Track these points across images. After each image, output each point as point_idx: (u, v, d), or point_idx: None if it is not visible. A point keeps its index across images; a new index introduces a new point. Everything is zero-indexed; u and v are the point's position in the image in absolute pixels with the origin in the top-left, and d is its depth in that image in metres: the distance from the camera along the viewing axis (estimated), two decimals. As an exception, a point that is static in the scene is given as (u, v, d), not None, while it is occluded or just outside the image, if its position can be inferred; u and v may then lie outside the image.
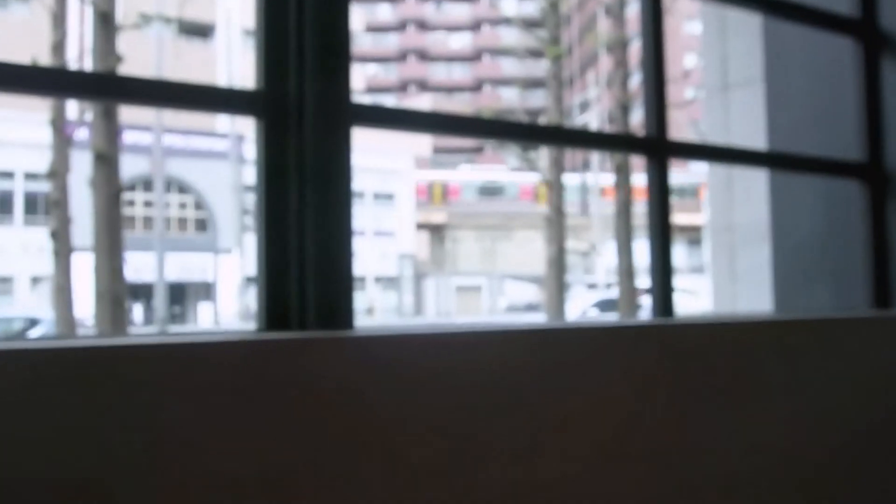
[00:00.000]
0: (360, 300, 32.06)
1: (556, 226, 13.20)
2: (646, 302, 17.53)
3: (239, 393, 1.18)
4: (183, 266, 27.95)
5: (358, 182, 32.09)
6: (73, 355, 1.06)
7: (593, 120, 29.81)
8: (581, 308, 21.08)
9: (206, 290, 28.84)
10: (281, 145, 1.48)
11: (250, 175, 23.96)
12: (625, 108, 12.77)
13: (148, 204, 26.54)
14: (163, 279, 18.85)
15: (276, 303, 1.45)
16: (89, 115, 9.97)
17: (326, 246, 1.47)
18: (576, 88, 37.07)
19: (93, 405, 1.08)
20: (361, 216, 30.79)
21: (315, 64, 1.48)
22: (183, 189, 28.56)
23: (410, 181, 34.64)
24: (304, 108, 1.49)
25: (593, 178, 30.51)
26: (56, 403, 1.05)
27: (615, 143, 2.17)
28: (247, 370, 1.19)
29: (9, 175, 25.10)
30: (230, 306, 27.02)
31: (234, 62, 26.78)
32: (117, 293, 9.03)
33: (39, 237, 21.53)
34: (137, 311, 26.30)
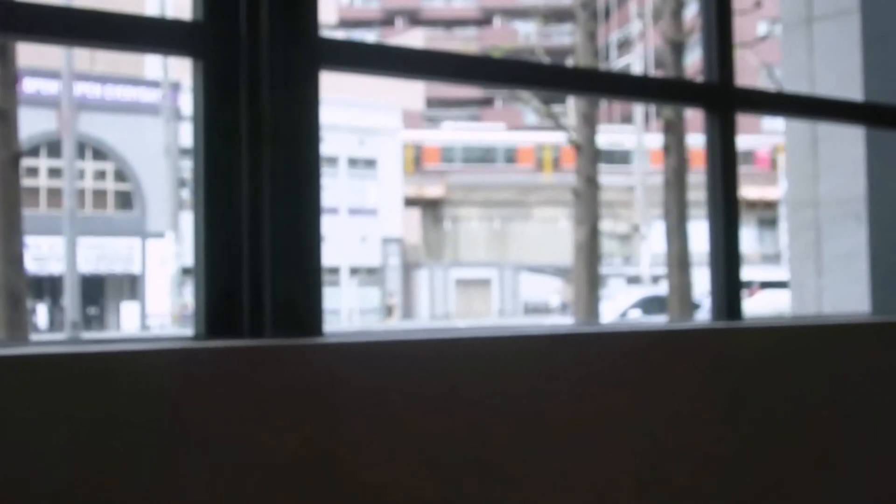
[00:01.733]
0: (370, 298, 32.40)
1: (588, 201, 13.20)
2: (704, 300, 17.56)
3: (173, 414, 1.18)
4: (101, 254, 27.99)
5: (328, 144, 32.03)
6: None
7: (635, 63, 29.79)
8: (619, 308, 21.13)
9: (130, 286, 28.90)
10: (228, 96, 1.47)
11: (188, 135, 23.86)
12: (677, 48, 12.73)
13: (55, 173, 26.53)
14: (74, 271, 18.85)
15: (223, 302, 1.45)
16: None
17: (288, 228, 1.47)
18: (613, 22, 37.04)
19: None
20: (333, 189, 30.80)
21: (272, -12, 1.48)
22: (100, 154, 28.57)
23: (397, 143, 34.64)
24: (257, 47, 1.49)
25: (635, 138, 30.51)
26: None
27: (664, 92, 2.16)
28: (183, 387, 1.18)
29: None
30: (162, 306, 27.09)
31: (167, -13, 26.73)
32: (14, 289, 9.02)
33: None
34: (41, 312, 26.35)
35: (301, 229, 1.49)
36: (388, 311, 33.04)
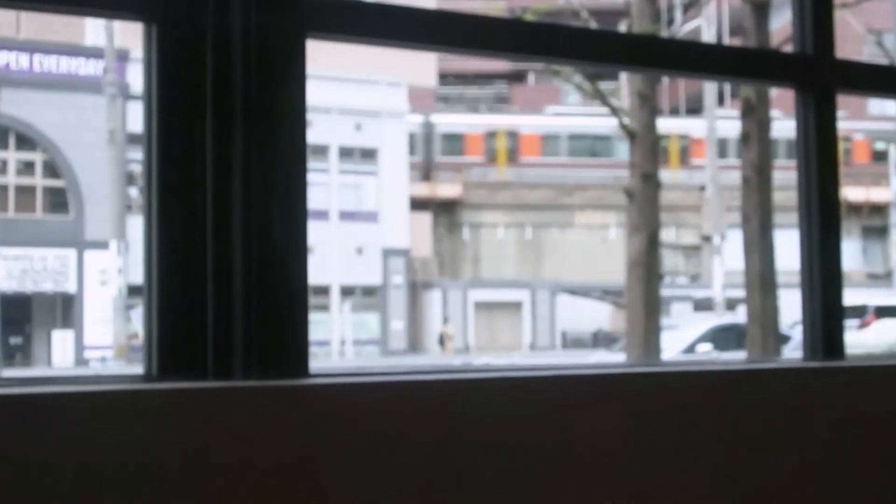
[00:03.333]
0: (367, 325, 32.39)
1: (645, 204, 13.17)
2: (794, 332, 17.47)
3: (118, 468, 1.18)
4: (27, 268, 28.08)
5: (316, 130, 31.81)
6: None
7: (706, 28, 29.78)
8: (685, 340, 21.06)
9: (63, 309, 28.98)
10: (190, 69, 1.48)
11: (139, 119, 23.89)
12: (760, 9, 12.73)
13: (-31, 165, 26.69)
14: (-6, 289, 18.94)
15: (181, 332, 1.44)
16: None
17: (264, 236, 1.47)
18: (677, -24, 37.05)
19: None
20: (321, 186, 30.84)
21: (246, -68, 1.48)
22: (27, 141, 28.71)
23: (403, 129, 34.70)
24: (227, 8, 1.49)
25: (706, 124, 30.49)
26: None
27: (744, 66, 2.16)
28: (130, 437, 1.18)
29: None
30: (103, 335, 27.13)
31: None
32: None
33: None
34: (-50, 341, 26.43)
35: (281, 238, 1.49)
36: (441, 341, 32.95)
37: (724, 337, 21.51)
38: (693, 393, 1.65)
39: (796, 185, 2.12)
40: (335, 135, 31.64)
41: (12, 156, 28.50)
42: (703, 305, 31.93)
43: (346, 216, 32.91)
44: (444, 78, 43.01)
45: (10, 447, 1.13)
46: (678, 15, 31.84)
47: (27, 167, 29.01)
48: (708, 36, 29.30)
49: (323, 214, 30.93)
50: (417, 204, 36.02)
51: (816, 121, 2.08)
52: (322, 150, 31.52)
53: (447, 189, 38.66)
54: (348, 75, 30.68)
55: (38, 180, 29.14)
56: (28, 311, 28.85)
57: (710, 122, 30.00)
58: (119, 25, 26.23)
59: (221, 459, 1.26)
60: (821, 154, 2.08)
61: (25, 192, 28.91)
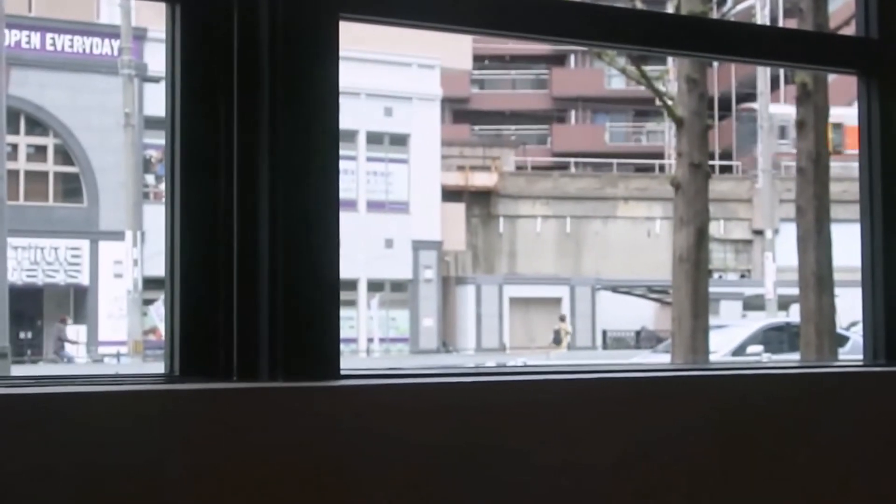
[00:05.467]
0: (397, 322, 32.36)
1: (693, 196, 13.11)
2: (852, 333, 17.34)
3: (138, 470, 1.18)
4: (37, 259, 28.20)
5: (344, 114, 31.31)
6: None
7: (759, 8, 29.63)
8: (734, 341, 20.96)
9: (76, 302, 29.08)
10: (214, 51, 1.48)
11: (157, 102, 24.00)
12: (817, -12, 12.63)
13: (-22, 149, 26.71)
14: (2, 282, 19.02)
15: (205, 329, 1.45)
16: None
17: (293, 228, 1.47)
18: (729, -47, 36.84)
19: None
20: (349, 174, 30.81)
21: None
22: (38, 124, 28.80)
23: (435, 113, 34.61)
24: (255, -15, 1.48)
25: (760, 110, 30.35)
26: None
27: (801, 50, 2.14)
28: (151, 440, 1.18)
29: None
30: (118, 331, 27.20)
31: None
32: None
33: None
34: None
35: (311, 231, 1.49)
36: (558, 339, 32.93)
37: (776, 338, 21.40)
38: (742, 398, 1.64)
39: (858, 175, 2.11)
40: (363, 119, 31.47)
41: (22, 140, 28.45)
42: (753, 304, 31.75)
43: (375, 206, 32.85)
44: (480, 60, 42.96)
45: (27, 448, 1.14)
46: (730, -5, 31.67)
47: (38, 152, 28.99)
48: (762, 17, 29.14)
49: (350, 204, 30.86)
50: (450, 193, 35.93)
51: (881, 109, 2.07)
52: (350, 136, 31.38)
53: (481, 178, 38.54)
54: (377, 56, 30.43)
55: (50, 166, 29.13)
56: (39, 305, 28.89)
57: (762, 107, 29.83)
58: (135, 2, 26.22)
59: (246, 464, 1.27)
60: (885, 144, 2.06)
61: (36, 179, 28.85)
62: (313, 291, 1.49)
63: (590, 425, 1.52)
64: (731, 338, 21.00)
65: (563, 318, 34.12)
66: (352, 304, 30.86)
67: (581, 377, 1.56)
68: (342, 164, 1.50)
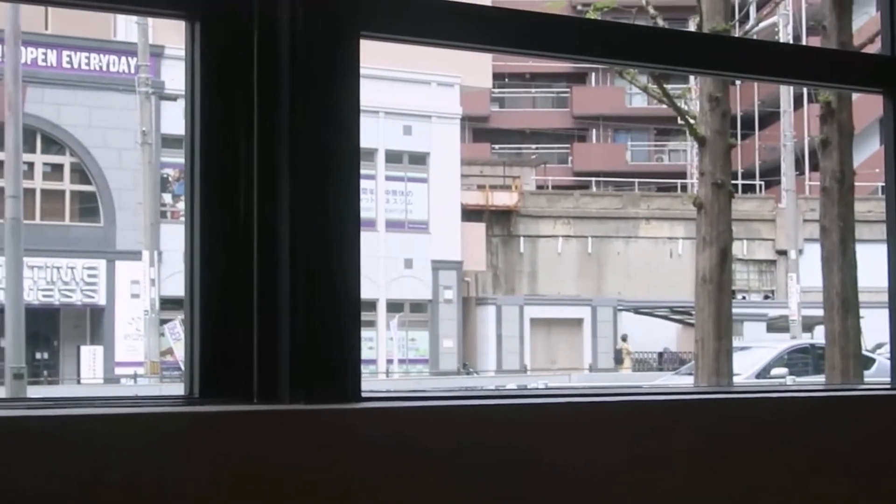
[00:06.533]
0: (417, 343, 32.37)
1: (716, 215, 13.09)
2: (878, 355, 17.27)
3: (156, 494, 1.19)
4: (53, 279, 28.25)
5: (362, 132, 31.24)
6: None
7: (782, 26, 29.62)
8: (757, 363, 20.91)
9: (92, 323, 29.12)
10: (233, 69, 1.49)
11: (175, 120, 24.07)
12: (841, 4, 12.61)
13: (-5, 168, 26.83)
14: (18, 301, 19.09)
15: (224, 351, 1.46)
16: None
17: (313, 249, 1.47)
18: (752, -30, 36.84)
19: None
20: (368, 193, 30.78)
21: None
22: (54, 142, 28.89)
23: (454, 132, 34.61)
24: (274, 4, 1.50)
25: (783, 131, 30.32)
26: None
27: (825, 69, 2.14)
28: (169, 464, 1.19)
29: None
30: (135, 351, 27.25)
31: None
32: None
33: None
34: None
35: (331, 251, 1.50)
36: (620, 358, 32.98)
37: (800, 360, 21.34)
38: (766, 422, 1.64)
39: (884, 194, 2.11)
40: (382, 138, 31.52)
41: (39, 158, 28.54)
42: (777, 325, 31.65)
43: (394, 225, 32.82)
44: (500, 78, 42.96)
45: (45, 470, 1.15)
46: (752, 11, 31.64)
47: (55, 170, 29.05)
48: (784, 35, 29.13)
49: (369, 224, 30.84)
50: (471, 212, 35.91)
51: (907, 128, 2.06)
52: (368, 155, 31.38)
53: (502, 197, 38.52)
54: (396, 73, 30.42)
55: (67, 185, 29.18)
56: (55, 325, 28.92)
57: (784, 126, 29.79)
58: (152, 20, 26.28)
59: (267, 486, 1.27)
60: (911, 164, 2.06)
61: (53, 197, 28.90)
62: (334, 313, 1.49)
63: (616, 449, 1.53)
64: (755, 360, 20.95)
65: (624, 338, 34.51)
66: (371, 325, 30.80)
67: (606, 400, 1.56)
68: (361, 183, 1.51)
